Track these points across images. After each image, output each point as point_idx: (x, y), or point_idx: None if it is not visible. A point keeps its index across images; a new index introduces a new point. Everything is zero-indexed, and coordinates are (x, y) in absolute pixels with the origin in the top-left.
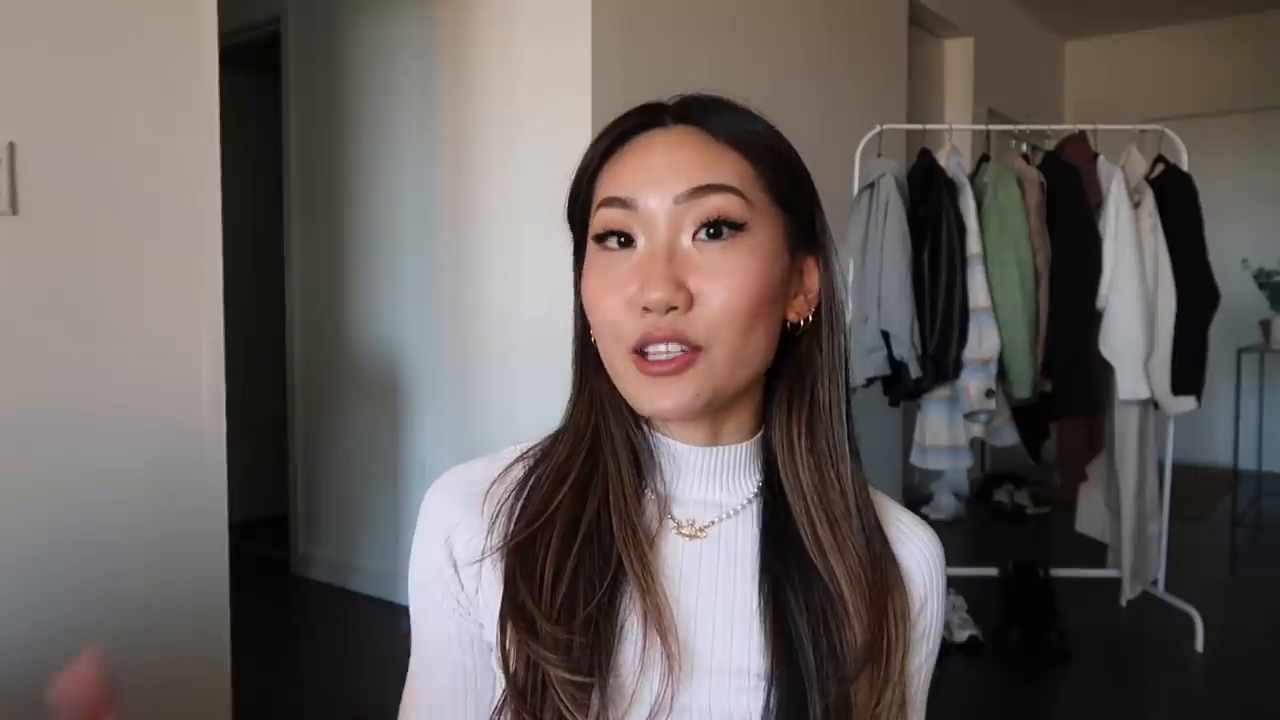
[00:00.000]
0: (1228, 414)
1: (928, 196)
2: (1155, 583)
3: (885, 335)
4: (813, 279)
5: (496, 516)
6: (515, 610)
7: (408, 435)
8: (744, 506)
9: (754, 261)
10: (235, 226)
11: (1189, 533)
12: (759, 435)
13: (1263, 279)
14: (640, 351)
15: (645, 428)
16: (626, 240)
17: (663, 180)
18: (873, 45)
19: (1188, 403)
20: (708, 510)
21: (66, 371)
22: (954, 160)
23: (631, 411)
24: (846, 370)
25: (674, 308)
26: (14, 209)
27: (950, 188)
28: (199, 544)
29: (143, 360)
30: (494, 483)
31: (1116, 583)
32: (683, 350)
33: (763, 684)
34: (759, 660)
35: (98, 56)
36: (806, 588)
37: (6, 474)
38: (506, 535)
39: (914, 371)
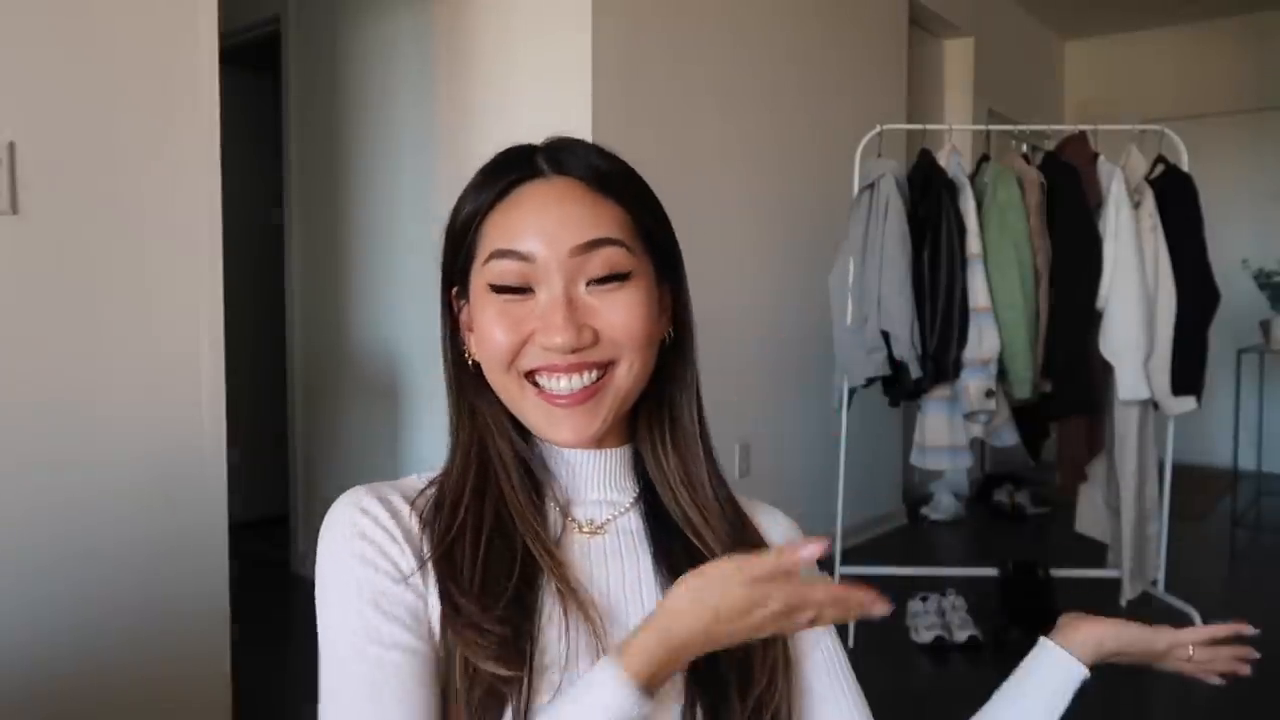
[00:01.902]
0: (1227, 414)
1: (928, 196)
2: (1155, 583)
3: (885, 335)
4: (670, 300)
5: (421, 531)
6: (453, 610)
7: (407, 435)
8: (633, 503)
9: (641, 298)
10: (235, 226)
11: (1189, 533)
12: (631, 443)
13: (1263, 279)
14: (533, 378)
15: (533, 438)
16: (523, 288)
17: (555, 235)
18: (872, 45)
19: (1188, 403)
20: (604, 509)
21: (66, 370)
22: (954, 160)
23: (517, 426)
24: (696, 378)
25: (579, 349)
26: (14, 209)
27: (950, 188)
28: (199, 544)
29: (143, 360)
30: (412, 502)
31: (1116, 583)
32: (592, 378)
33: None
34: None
35: (98, 57)
36: (693, 559)
37: (5, 470)
38: (433, 547)
39: (914, 371)
